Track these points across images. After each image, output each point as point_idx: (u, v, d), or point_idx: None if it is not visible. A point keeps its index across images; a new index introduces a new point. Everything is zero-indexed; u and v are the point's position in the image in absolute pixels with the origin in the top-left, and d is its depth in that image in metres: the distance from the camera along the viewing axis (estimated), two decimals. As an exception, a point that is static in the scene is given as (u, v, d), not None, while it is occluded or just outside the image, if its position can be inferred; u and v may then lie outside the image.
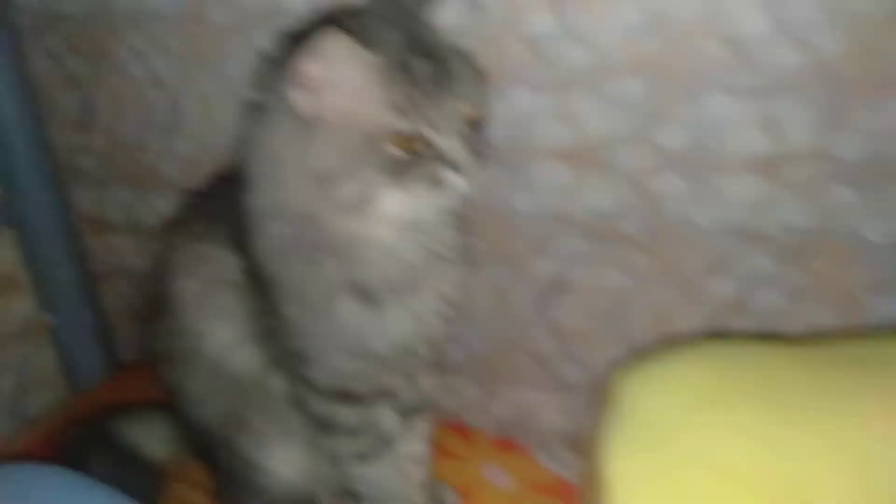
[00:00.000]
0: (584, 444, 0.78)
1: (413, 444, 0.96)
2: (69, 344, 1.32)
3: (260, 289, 0.79)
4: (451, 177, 0.68)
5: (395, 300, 0.76)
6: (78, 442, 0.97)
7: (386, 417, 0.87)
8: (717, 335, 0.92)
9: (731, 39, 0.78)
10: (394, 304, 0.76)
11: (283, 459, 0.91)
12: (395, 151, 0.66)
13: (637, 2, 0.80)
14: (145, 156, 1.20)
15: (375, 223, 0.70)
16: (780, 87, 0.78)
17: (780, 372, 0.68)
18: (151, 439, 1.05)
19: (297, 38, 0.70)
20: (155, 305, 0.91)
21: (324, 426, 0.84)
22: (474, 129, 0.71)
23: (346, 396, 0.81)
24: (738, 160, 0.84)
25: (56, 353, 1.34)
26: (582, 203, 0.94)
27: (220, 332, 0.83)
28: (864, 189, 0.81)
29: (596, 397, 0.73)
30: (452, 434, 1.16)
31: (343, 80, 0.65)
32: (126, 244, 1.32)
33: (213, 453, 0.94)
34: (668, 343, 0.72)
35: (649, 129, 0.86)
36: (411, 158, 0.67)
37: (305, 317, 0.77)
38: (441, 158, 0.67)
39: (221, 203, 0.83)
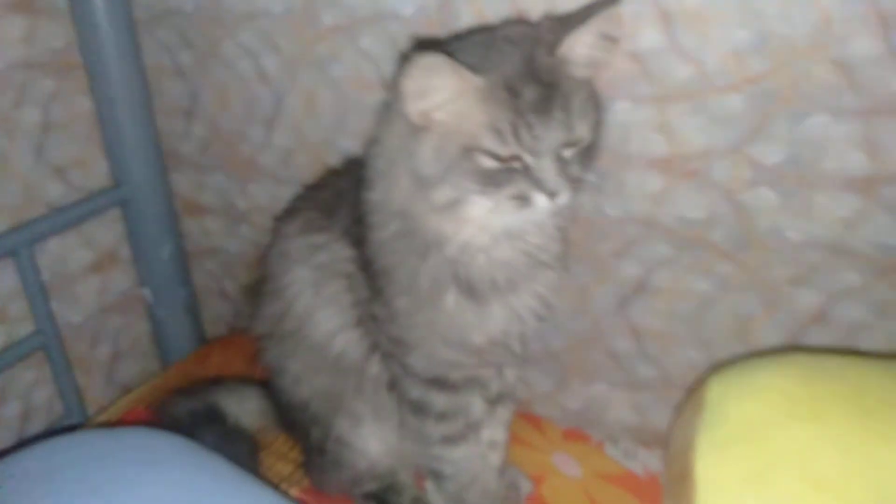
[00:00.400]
0: (669, 446, 0.81)
1: (494, 431, 1.00)
2: (162, 317, 1.40)
3: (369, 279, 0.84)
4: (539, 198, 0.71)
5: (496, 298, 0.80)
6: (184, 412, 1.03)
7: (475, 404, 0.91)
8: (801, 347, 0.94)
9: (839, 61, 0.80)
10: (495, 302, 0.80)
11: (373, 438, 0.97)
12: (490, 164, 0.69)
13: (746, 21, 0.82)
14: (244, 145, 1.26)
15: (464, 226, 0.73)
16: (884, 110, 0.80)
17: (869, 383, 0.70)
18: (247, 412, 1.11)
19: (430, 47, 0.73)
20: (261, 289, 0.96)
21: (417, 410, 0.89)
22: (580, 151, 0.73)
23: (441, 383, 0.86)
24: (835, 178, 0.86)
25: (149, 326, 1.42)
26: (671, 210, 0.97)
27: (328, 317, 0.88)
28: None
29: (671, 396, 0.76)
30: (526, 424, 1.20)
31: (442, 97, 0.69)
32: (218, 227, 1.39)
33: (305, 429, 1.00)
34: (757, 352, 0.74)
35: (747, 144, 0.88)
36: (505, 172, 0.70)
37: (413, 307, 0.81)
38: (532, 179, 0.70)
39: (336, 196, 0.88)
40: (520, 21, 0.87)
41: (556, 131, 0.70)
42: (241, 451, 1.00)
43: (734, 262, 0.96)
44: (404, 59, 0.77)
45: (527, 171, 0.70)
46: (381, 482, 1.02)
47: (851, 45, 0.78)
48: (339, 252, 0.86)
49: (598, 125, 0.77)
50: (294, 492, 1.06)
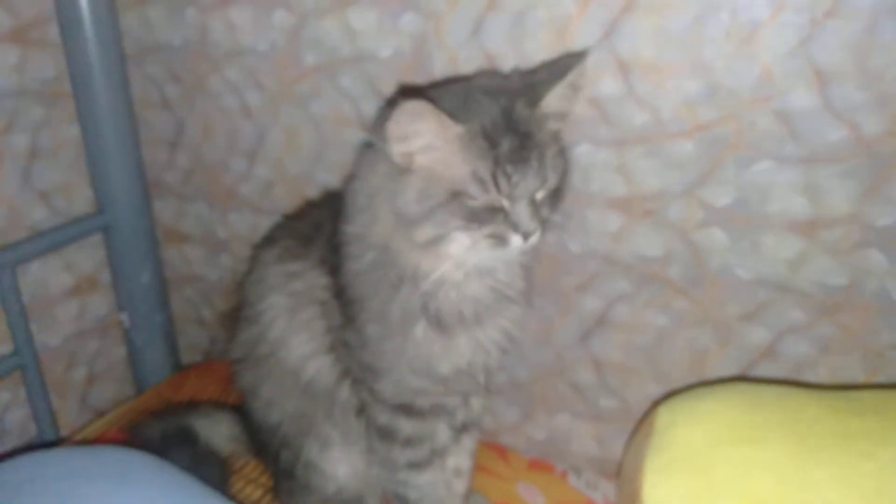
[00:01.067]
0: (621, 470, 0.84)
1: (459, 459, 1.03)
2: (138, 342, 1.41)
3: (342, 306, 0.87)
4: (515, 238, 0.75)
5: (463, 331, 0.83)
6: (158, 433, 1.04)
7: (441, 432, 0.94)
8: (748, 378, 0.98)
9: (780, 112, 0.85)
10: (461, 334, 0.83)
11: (341, 463, 0.99)
12: (472, 203, 0.74)
13: (696, 73, 0.88)
14: (226, 176, 1.29)
15: (442, 262, 0.77)
16: (822, 158, 0.85)
17: (807, 414, 0.73)
18: (218, 436, 1.12)
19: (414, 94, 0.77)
20: (238, 315, 0.99)
21: (384, 435, 0.91)
22: (550, 195, 0.78)
23: (408, 410, 0.88)
24: (780, 220, 0.91)
25: (126, 350, 1.43)
26: (630, 248, 1.01)
27: (301, 343, 0.91)
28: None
29: (631, 427, 0.79)
30: (491, 453, 1.22)
31: (429, 140, 0.73)
32: (198, 255, 1.41)
33: (275, 452, 1.02)
34: (705, 382, 0.78)
35: (698, 187, 0.93)
36: (487, 211, 0.74)
37: (383, 335, 0.84)
38: (509, 222, 0.75)
39: (314, 227, 0.91)
40: (493, 73, 0.91)
41: (531, 179, 0.74)
42: (213, 472, 1.01)
43: (689, 298, 1.01)
44: (388, 103, 0.81)
45: (504, 214, 0.75)
46: (347, 506, 1.03)
47: (791, 98, 0.84)
48: (315, 280, 0.89)
49: (566, 171, 0.81)
50: (263, 515, 1.07)
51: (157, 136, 1.32)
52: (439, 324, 0.82)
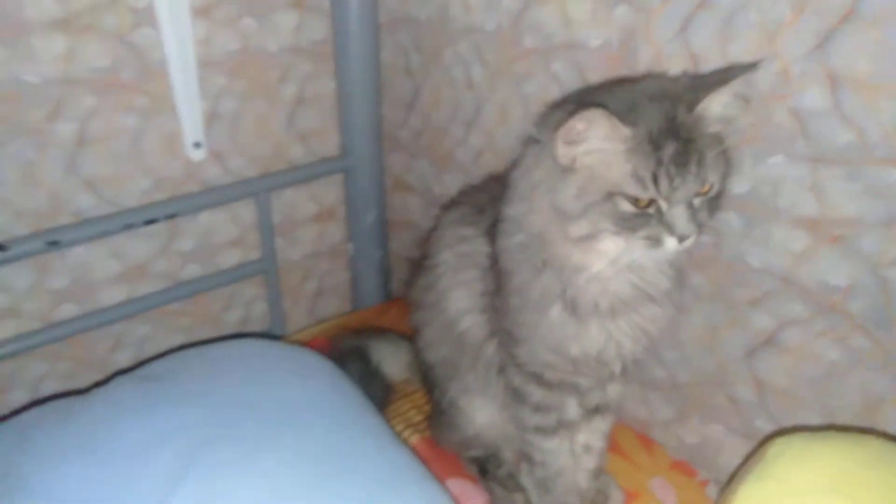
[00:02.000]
0: (727, 484, 0.81)
1: (590, 437, 1.06)
2: (359, 269, 1.63)
3: (495, 275, 0.94)
4: (669, 241, 0.75)
5: (596, 319, 0.86)
6: (343, 349, 1.23)
7: (570, 406, 0.98)
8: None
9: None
10: (594, 323, 0.86)
11: (481, 410, 1.08)
12: (627, 207, 0.75)
13: (915, 96, 0.78)
14: (446, 140, 1.42)
15: (595, 258, 0.79)
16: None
17: None
18: (394, 362, 1.29)
19: (577, 98, 0.81)
20: (421, 263, 1.12)
21: (517, 397, 0.98)
22: (709, 200, 0.77)
23: (539, 379, 0.94)
24: None
25: (349, 275, 1.67)
26: (812, 272, 0.93)
27: (460, 298, 1.00)
28: None
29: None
30: (638, 442, 1.22)
31: (596, 145, 0.75)
32: (416, 205, 1.58)
33: (430, 387, 1.15)
34: (837, 425, 0.72)
35: (899, 221, 0.83)
36: (640, 215, 0.75)
37: (522, 308, 0.90)
38: (664, 223, 0.75)
39: (489, 199, 0.99)
40: (659, 76, 0.90)
41: (690, 183, 0.74)
42: (375, 391, 1.17)
43: (870, 338, 0.91)
44: (555, 106, 0.86)
45: (660, 216, 0.76)
46: (485, 451, 1.13)
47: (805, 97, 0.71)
48: (480, 247, 0.97)
49: (725, 177, 0.79)
50: (415, 439, 1.21)
51: (398, 98, 1.49)
52: (574, 310, 0.85)
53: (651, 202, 0.75)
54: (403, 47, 1.43)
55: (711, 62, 0.94)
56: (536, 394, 0.96)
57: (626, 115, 0.75)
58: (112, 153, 1.21)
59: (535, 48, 1.17)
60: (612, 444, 1.18)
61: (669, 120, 0.75)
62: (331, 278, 1.66)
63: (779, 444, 0.70)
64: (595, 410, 1.03)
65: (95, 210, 1.22)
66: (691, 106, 0.75)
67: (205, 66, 1.25)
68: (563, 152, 0.77)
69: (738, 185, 0.96)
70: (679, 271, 0.88)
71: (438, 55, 1.36)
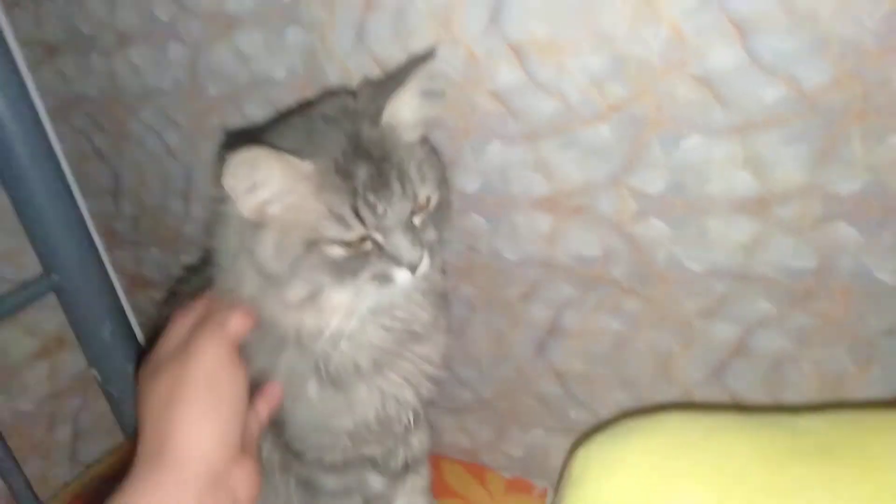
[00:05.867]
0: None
1: (410, 498, 0.90)
2: (117, 393, 1.33)
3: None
4: (400, 273, 0.62)
5: (362, 382, 0.70)
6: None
7: (372, 480, 0.82)
8: (685, 405, 0.81)
9: (700, 77, 0.68)
10: (361, 386, 0.70)
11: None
12: (338, 252, 0.60)
13: (597, 46, 0.71)
14: (168, 219, 1.19)
15: (329, 316, 0.64)
16: (759, 123, 0.67)
17: (737, 461, 0.54)
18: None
19: (243, 138, 0.64)
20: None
21: (308, 490, 0.80)
22: (432, 214, 0.65)
23: (322, 464, 0.76)
24: (724, 202, 0.73)
25: (106, 403, 1.36)
26: (566, 250, 0.85)
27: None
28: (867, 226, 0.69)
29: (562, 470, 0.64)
30: (468, 476, 1.09)
31: (272, 190, 0.60)
32: (163, 298, 1.32)
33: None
34: (631, 415, 0.62)
35: (625, 174, 0.77)
36: (356, 256, 0.61)
37: (277, 394, 0.72)
38: (387, 257, 0.62)
39: (207, 282, 0.79)
40: (335, 92, 0.78)
41: (398, 204, 0.61)
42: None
43: (640, 297, 0.85)
44: (220, 154, 0.68)
45: (380, 250, 0.62)
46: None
47: (709, 59, 0.66)
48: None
49: (443, 183, 0.67)
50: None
51: (98, 187, 1.23)
52: (333, 380, 0.69)
53: (364, 239, 0.61)
54: (82, 130, 1.18)
55: (398, 63, 0.82)
56: (328, 481, 0.78)
57: (303, 146, 0.60)
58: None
59: (221, 95, 0.99)
60: (443, 486, 1.04)
61: (354, 140, 0.61)
62: (86, 414, 1.34)
63: (580, 460, 0.59)
64: (405, 469, 0.87)
65: None
66: (375, 119, 0.63)
67: None
68: (243, 205, 0.60)
69: (469, 183, 0.86)
70: (438, 295, 0.75)
71: (123, 129, 1.13)
